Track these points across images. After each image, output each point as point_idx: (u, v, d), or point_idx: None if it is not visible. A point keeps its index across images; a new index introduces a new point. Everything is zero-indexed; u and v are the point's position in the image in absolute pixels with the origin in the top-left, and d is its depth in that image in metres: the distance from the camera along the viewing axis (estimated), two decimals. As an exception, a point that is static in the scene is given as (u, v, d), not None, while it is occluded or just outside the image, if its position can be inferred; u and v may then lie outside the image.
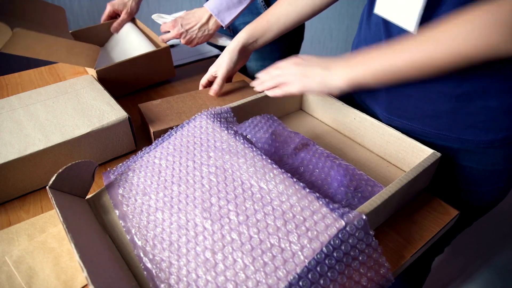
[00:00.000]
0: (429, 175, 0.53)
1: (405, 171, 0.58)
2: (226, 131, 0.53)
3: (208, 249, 0.40)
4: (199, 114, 0.58)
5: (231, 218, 0.42)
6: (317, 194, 0.41)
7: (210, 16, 0.82)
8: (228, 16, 0.82)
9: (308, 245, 0.37)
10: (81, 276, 0.44)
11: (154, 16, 0.94)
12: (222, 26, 0.84)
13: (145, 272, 0.42)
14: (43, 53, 0.69)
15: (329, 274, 0.36)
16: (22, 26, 0.64)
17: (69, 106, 0.63)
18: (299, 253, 0.37)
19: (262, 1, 0.91)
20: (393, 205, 0.49)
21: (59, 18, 0.83)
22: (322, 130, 0.69)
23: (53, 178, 0.47)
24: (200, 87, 0.76)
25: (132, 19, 0.97)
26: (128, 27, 0.94)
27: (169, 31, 0.85)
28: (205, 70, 0.76)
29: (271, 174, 0.44)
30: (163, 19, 0.93)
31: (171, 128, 0.60)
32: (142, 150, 0.56)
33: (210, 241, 0.41)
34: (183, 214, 0.45)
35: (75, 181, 0.50)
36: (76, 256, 0.38)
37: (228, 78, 0.78)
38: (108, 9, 0.94)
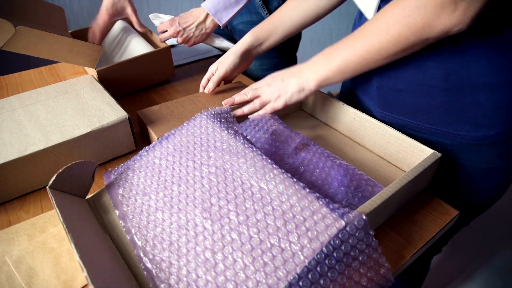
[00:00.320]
0: (429, 175, 0.53)
1: (405, 171, 0.58)
2: (226, 131, 0.53)
3: (208, 249, 0.40)
4: (199, 114, 0.58)
5: (231, 218, 0.42)
6: (317, 194, 0.41)
7: (207, 14, 0.82)
8: (226, 16, 0.82)
9: (308, 245, 0.37)
10: (81, 276, 0.44)
11: (151, 16, 0.94)
12: (219, 26, 0.85)
13: (145, 272, 0.42)
14: (45, 51, 0.69)
15: (329, 274, 0.36)
16: (23, 25, 0.64)
17: (69, 106, 0.63)
18: (299, 253, 0.37)
19: (260, 1, 0.91)
20: (393, 205, 0.49)
21: (59, 18, 0.83)
22: (322, 130, 0.69)
23: (53, 178, 0.47)
24: (201, 88, 0.75)
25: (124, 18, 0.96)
26: (121, 26, 0.93)
27: (166, 31, 0.85)
28: (205, 70, 0.76)
29: (271, 174, 0.44)
30: (160, 19, 0.93)
31: None
32: (142, 150, 0.56)
33: (210, 241, 0.41)
34: (183, 214, 0.45)
35: (75, 181, 0.50)
36: (76, 256, 0.38)
37: (227, 80, 0.78)
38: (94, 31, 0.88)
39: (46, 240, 0.48)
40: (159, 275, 0.41)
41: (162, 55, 0.83)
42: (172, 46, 1.07)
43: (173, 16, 0.88)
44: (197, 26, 0.83)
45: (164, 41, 0.86)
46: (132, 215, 0.48)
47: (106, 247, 0.44)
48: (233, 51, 0.70)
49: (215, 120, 0.56)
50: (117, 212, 0.49)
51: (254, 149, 0.49)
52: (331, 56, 0.53)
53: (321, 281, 0.36)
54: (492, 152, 0.54)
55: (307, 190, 0.42)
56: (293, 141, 0.59)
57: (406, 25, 0.44)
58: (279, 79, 0.60)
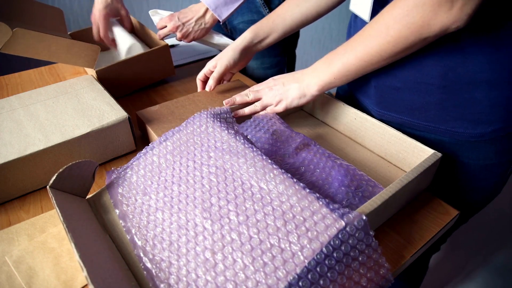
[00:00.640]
0: (430, 175, 0.53)
1: (405, 171, 0.58)
2: (226, 131, 0.53)
3: (208, 249, 0.40)
4: (199, 113, 0.58)
5: (231, 218, 0.42)
6: (317, 195, 0.41)
7: (207, 9, 0.82)
8: (226, 11, 0.82)
9: (308, 246, 0.37)
10: (81, 276, 0.44)
11: (151, 12, 0.94)
12: (219, 21, 0.84)
13: (145, 272, 0.42)
14: (43, 53, 0.69)
15: (328, 274, 0.36)
16: (21, 27, 0.64)
17: (69, 106, 0.63)
18: (299, 253, 0.36)
19: (261, 0, 0.91)
20: (394, 206, 0.49)
21: (57, 19, 0.83)
22: (322, 130, 0.69)
23: (54, 177, 0.47)
24: (198, 81, 0.75)
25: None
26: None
27: (165, 27, 0.85)
28: (205, 70, 0.76)
29: (271, 174, 0.44)
30: (159, 15, 0.93)
31: None
32: (143, 149, 0.56)
33: (210, 241, 0.41)
34: (183, 214, 0.45)
35: (76, 180, 0.50)
36: (76, 256, 0.38)
37: (227, 77, 0.77)
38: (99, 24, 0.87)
39: (46, 240, 0.48)
40: (159, 274, 0.41)
41: (161, 53, 0.83)
42: (172, 46, 1.07)
43: (172, 12, 0.88)
44: (196, 21, 0.83)
45: (163, 37, 0.86)
46: (132, 215, 0.48)
47: (106, 247, 0.44)
48: (233, 47, 0.70)
49: (215, 120, 0.56)
50: (117, 211, 0.49)
51: (254, 149, 0.49)
52: (332, 61, 0.54)
53: (321, 282, 0.36)
54: (490, 149, 0.55)
55: (307, 190, 0.42)
56: (293, 141, 0.59)
57: (405, 25, 0.44)
58: (281, 83, 0.60)
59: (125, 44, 0.85)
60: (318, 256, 0.36)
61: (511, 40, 0.46)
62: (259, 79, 0.99)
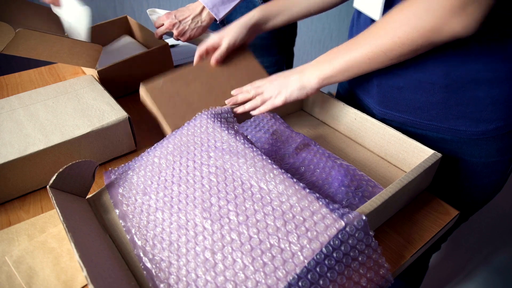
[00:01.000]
0: (430, 175, 0.53)
1: (405, 172, 0.58)
2: (226, 131, 0.53)
3: (207, 249, 0.40)
4: (199, 114, 0.58)
5: (231, 218, 0.42)
6: (317, 195, 0.41)
7: (203, 7, 0.83)
8: (223, 10, 0.82)
9: (307, 246, 0.37)
10: (81, 276, 0.44)
11: (149, 11, 0.94)
12: (216, 21, 0.84)
13: (144, 272, 0.42)
14: (45, 54, 0.69)
15: (328, 274, 0.36)
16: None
17: (69, 106, 0.63)
18: (299, 253, 0.36)
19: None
20: (394, 206, 0.49)
21: (55, 21, 0.83)
22: (322, 130, 0.69)
23: (54, 177, 0.47)
24: (196, 57, 0.70)
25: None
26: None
27: (163, 25, 0.85)
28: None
29: (271, 174, 0.44)
30: (157, 14, 0.93)
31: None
32: (144, 152, 0.56)
33: (210, 241, 0.41)
34: (183, 214, 0.45)
35: (76, 180, 0.50)
36: (76, 256, 0.38)
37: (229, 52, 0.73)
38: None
39: (46, 240, 0.48)
40: (159, 274, 0.41)
41: (161, 52, 0.83)
42: (172, 46, 1.07)
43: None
44: (192, 19, 0.83)
45: (160, 36, 0.86)
46: (132, 215, 0.48)
47: (106, 247, 0.44)
48: (240, 24, 0.68)
49: (216, 120, 0.56)
50: (117, 211, 0.49)
51: (255, 149, 0.49)
52: (335, 56, 0.53)
53: (321, 282, 0.36)
54: (492, 147, 0.55)
55: (307, 190, 0.42)
56: (293, 141, 0.59)
57: (414, 28, 0.44)
58: (282, 76, 0.60)
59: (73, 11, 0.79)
60: (317, 256, 0.36)
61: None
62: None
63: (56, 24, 0.82)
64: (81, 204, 0.50)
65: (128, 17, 1.03)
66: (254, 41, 0.98)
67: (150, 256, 0.43)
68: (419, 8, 0.43)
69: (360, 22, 0.62)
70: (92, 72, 0.81)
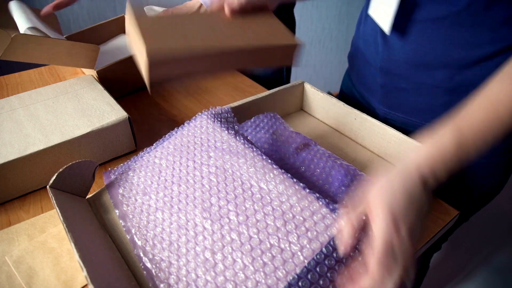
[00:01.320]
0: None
1: (405, 171, 0.58)
2: (226, 131, 0.53)
3: (207, 249, 0.40)
4: (199, 114, 0.58)
5: (231, 218, 0.42)
6: (317, 195, 0.41)
7: (201, 5, 0.82)
8: None
9: (307, 246, 0.37)
10: (81, 276, 0.44)
11: (146, 8, 0.94)
12: None
13: (144, 272, 0.42)
14: (43, 57, 0.69)
15: (328, 274, 0.36)
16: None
17: (69, 106, 0.63)
18: (299, 253, 0.36)
19: None
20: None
21: (52, 24, 0.83)
22: (323, 130, 0.69)
23: (54, 177, 0.47)
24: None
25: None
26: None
27: None
28: (205, 70, 0.75)
29: (271, 174, 0.44)
30: (155, 12, 0.93)
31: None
32: (143, 151, 0.56)
33: (210, 241, 0.41)
34: (183, 214, 0.45)
35: (76, 180, 0.50)
36: (76, 256, 0.38)
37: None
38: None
39: (46, 240, 0.48)
40: (159, 274, 0.41)
41: None
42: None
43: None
44: None
45: None
46: (132, 215, 0.48)
47: (106, 247, 0.44)
48: None
49: (216, 120, 0.56)
50: (117, 211, 0.49)
51: (255, 149, 0.49)
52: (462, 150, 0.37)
53: (321, 282, 0.36)
54: (493, 147, 0.55)
55: (307, 190, 0.42)
56: (293, 141, 0.59)
57: None
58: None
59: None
60: (317, 256, 0.36)
61: None
62: (258, 77, 0.99)
63: (53, 26, 0.82)
64: (81, 204, 0.50)
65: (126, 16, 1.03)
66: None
67: (150, 256, 0.43)
68: None
69: (367, 22, 0.62)
70: (92, 72, 0.81)
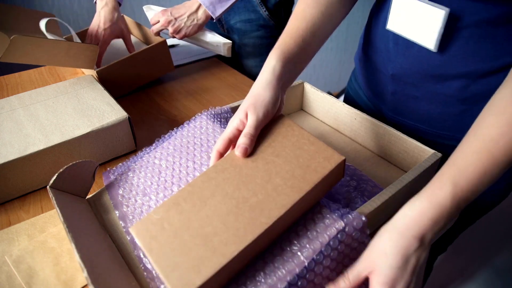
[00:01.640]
0: (429, 175, 0.53)
1: (405, 172, 0.58)
2: (226, 131, 0.53)
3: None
4: (199, 114, 0.58)
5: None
6: (317, 195, 0.41)
7: (200, 5, 0.82)
8: (220, 8, 0.82)
9: (307, 246, 0.37)
10: (81, 276, 0.44)
11: (145, 8, 0.94)
12: (213, 20, 0.84)
13: (145, 273, 0.42)
14: (43, 58, 0.69)
15: (328, 274, 0.36)
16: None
17: (69, 106, 0.63)
18: (299, 253, 0.36)
19: None
20: (394, 206, 0.49)
21: (51, 25, 0.83)
22: (323, 130, 0.69)
23: (54, 177, 0.47)
24: (213, 159, 0.43)
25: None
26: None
27: (159, 21, 0.85)
28: (205, 70, 0.75)
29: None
30: (153, 11, 0.93)
31: None
32: (142, 151, 0.56)
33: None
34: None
35: (76, 180, 0.50)
36: (76, 256, 0.38)
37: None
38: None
39: (46, 240, 0.48)
40: (160, 276, 0.41)
41: (159, 49, 0.82)
42: (172, 46, 1.07)
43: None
44: (188, 17, 0.83)
45: (158, 33, 0.86)
46: (132, 216, 0.48)
47: (106, 247, 0.44)
48: (265, 81, 0.44)
49: (215, 121, 0.56)
50: (117, 212, 0.49)
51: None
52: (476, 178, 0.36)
53: (321, 281, 0.36)
54: None
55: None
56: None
57: None
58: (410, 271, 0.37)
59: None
60: (317, 256, 0.36)
61: None
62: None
63: (53, 28, 0.82)
64: (81, 204, 0.50)
65: (125, 16, 1.03)
66: (253, 40, 0.98)
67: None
68: None
69: (378, 30, 0.58)
70: (92, 72, 0.81)
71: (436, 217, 0.35)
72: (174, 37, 0.86)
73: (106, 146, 0.61)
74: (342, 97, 0.82)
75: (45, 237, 0.49)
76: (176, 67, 0.94)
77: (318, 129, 0.69)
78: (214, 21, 0.86)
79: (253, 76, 1.02)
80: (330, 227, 0.37)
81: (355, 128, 0.64)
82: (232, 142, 0.43)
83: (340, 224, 0.37)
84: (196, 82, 0.89)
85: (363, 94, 0.70)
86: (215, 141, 0.52)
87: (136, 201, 0.49)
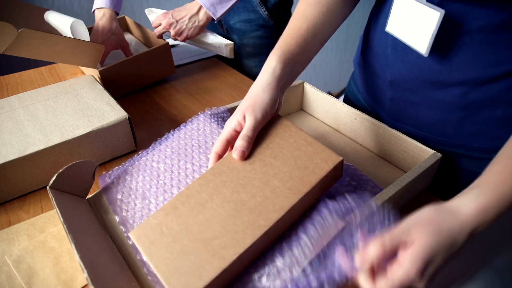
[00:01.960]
0: (429, 175, 0.53)
1: (405, 172, 0.58)
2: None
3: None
4: (196, 116, 0.57)
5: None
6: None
7: (200, 7, 0.83)
8: (220, 9, 0.82)
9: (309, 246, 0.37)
10: (81, 276, 0.44)
11: (146, 11, 0.95)
12: (213, 20, 0.84)
13: (149, 277, 0.41)
14: (47, 54, 0.69)
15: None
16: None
17: (69, 106, 0.63)
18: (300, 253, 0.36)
19: None
20: (394, 206, 0.49)
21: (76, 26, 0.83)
22: (323, 130, 0.69)
23: (54, 178, 0.47)
24: (212, 160, 0.43)
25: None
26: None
27: (160, 24, 0.85)
28: (205, 70, 0.75)
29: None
30: (155, 14, 0.93)
31: None
32: (138, 154, 0.55)
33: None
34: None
35: (76, 181, 0.50)
36: (76, 257, 0.38)
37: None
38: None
39: (46, 240, 0.48)
40: (161, 281, 0.40)
41: (161, 52, 0.83)
42: (172, 46, 1.07)
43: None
44: (190, 19, 0.83)
45: (160, 36, 0.86)
46: (132, 220, 0.47)
47: (106, 247, 0.44)
48: (264, 82, 0.44)
49: (212, 121, 0.56)
50: (117, 218, 0.49)
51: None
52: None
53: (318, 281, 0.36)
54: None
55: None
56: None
57: None
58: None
59: (66, 24, 0.76)
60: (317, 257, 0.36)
61: None
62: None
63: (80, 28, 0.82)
64: (81, 204, 0.50)
65: (126, 17, 1.03)
66: (253, 40, 0.98)
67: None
68: None
69: (375, 32, 0.58)
70: (92, 72, 0.81)
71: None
72: (176, 39, 0.86)
73: (106, 146, 0.61)
74: (342, 97, 0.81)
75: (45, 237, 0.48)
76: (176, 67, 0.94)
77: (318, 129, 0.69)
78: (215, 22, 0.86)
79: (253, 76, 1.02)
80: (330, 227, 0.37)
81: (355, 128, 0.64)
82: (230, 143, 0.43)
83: (341, 224, 0.37)
84: (196, 82, 0.89)
85: (362, 98, 0.69)
86: (213, 143, 0.52)
87: (135, 205, 0.49)
